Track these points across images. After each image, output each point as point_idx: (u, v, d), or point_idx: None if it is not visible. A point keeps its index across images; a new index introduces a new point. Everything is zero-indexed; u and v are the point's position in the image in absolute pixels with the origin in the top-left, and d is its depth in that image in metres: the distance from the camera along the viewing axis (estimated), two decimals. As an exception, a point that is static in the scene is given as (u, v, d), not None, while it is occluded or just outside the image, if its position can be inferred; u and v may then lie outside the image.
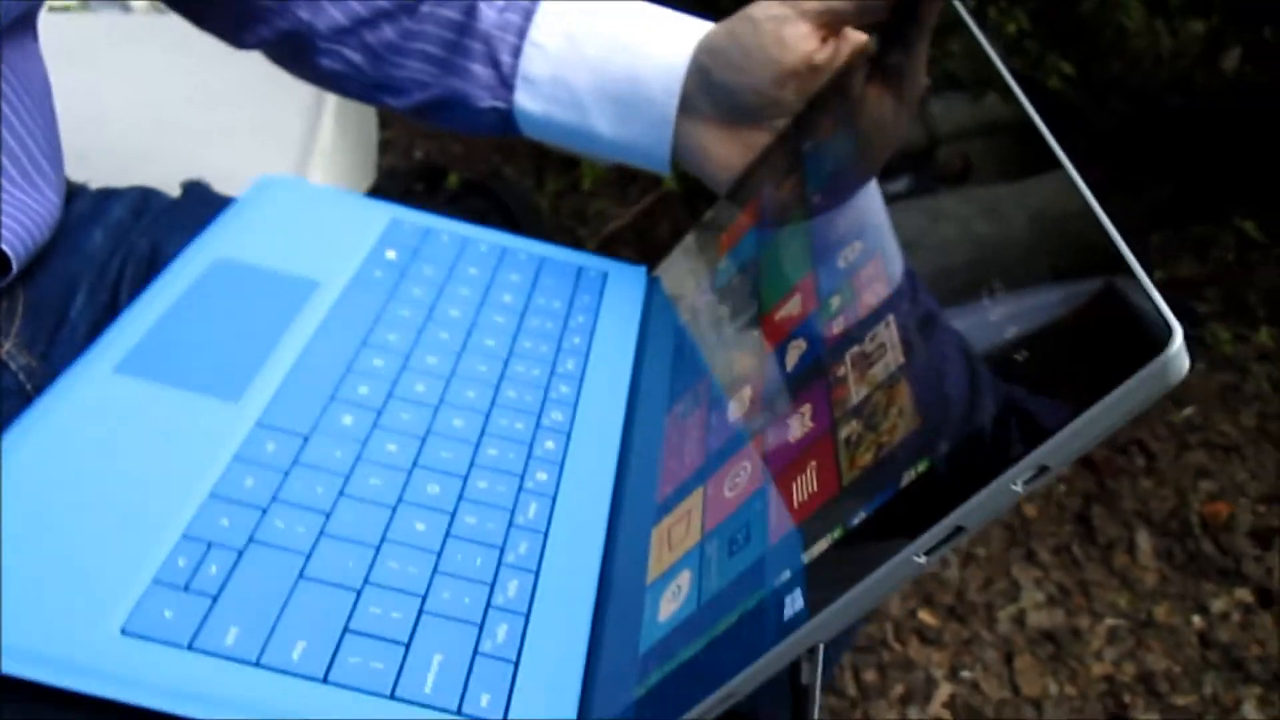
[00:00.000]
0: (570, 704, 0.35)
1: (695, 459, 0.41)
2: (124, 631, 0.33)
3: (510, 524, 0.40)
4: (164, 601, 0.34)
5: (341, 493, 0.39)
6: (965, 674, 1.07)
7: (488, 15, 0.53)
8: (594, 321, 0.53)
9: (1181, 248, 1.50)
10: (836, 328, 0.38)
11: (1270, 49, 1.03)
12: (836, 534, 0.30)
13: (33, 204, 0.48)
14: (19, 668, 0.31)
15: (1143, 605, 1.13)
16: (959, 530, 0.27)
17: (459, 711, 0.33)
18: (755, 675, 0.30)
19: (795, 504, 0.33)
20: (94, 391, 0.41)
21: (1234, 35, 1.02)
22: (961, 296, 0.33)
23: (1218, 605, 1.13)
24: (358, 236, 0.54)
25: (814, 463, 0.34)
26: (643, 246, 1.38)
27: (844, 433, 0.34)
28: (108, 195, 0.56)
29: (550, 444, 0.44)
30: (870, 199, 0.41)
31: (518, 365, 0.48)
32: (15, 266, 0.47)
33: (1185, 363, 0.24)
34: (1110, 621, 1.12)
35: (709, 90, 0.50)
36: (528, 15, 0.53)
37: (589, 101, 0.53)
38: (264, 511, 0.37)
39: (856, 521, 0.30)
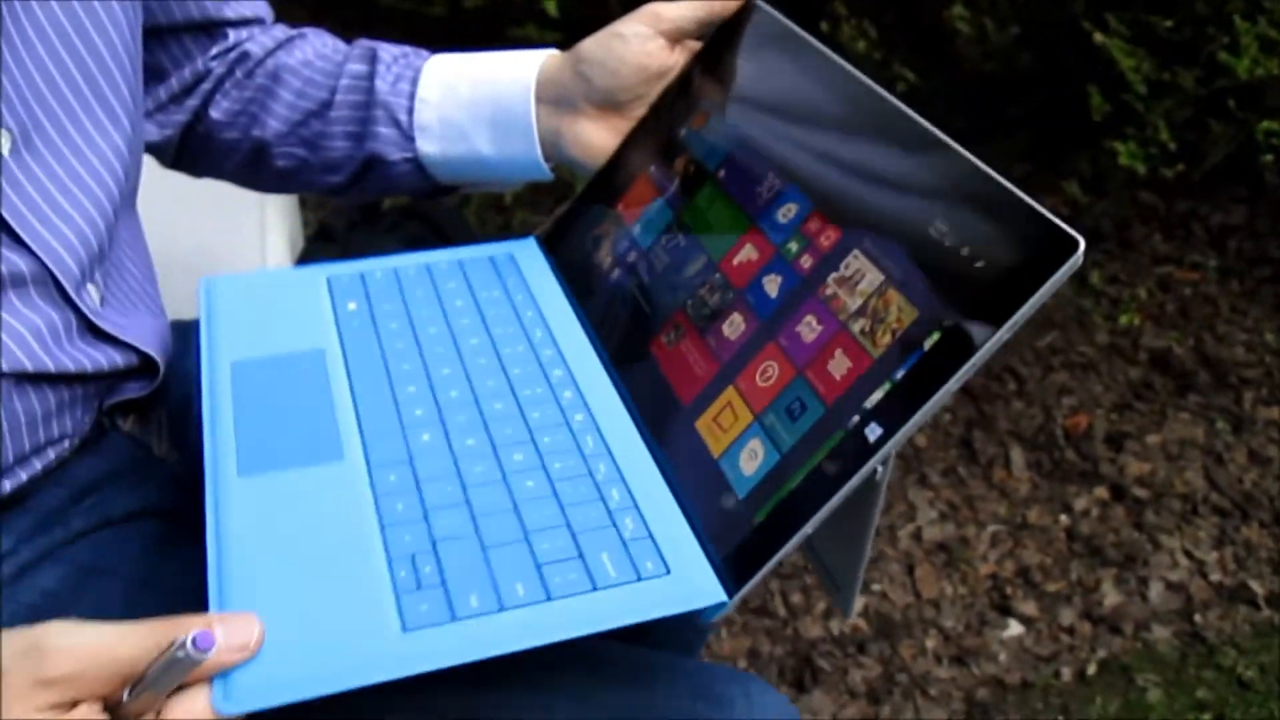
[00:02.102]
0: (697, 549, 0.48)
1: (709, 369, 0.54)
2: (405, 629, 0.44)
3: (583, 455, 0.53)
4: (416, 601, 0.45)
5: (464, 485, 0.50)
6: (875, 586, 1.27)
7: (382, 88, 0.67)
8: (530, 295, 0.64)
9: (1043, 185, 1.69)
10: (806, 263, 0.52)
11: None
12: (887, 386, 0.45)
13: (160, 326, 0.63)
14: (344, 682, 0.42)
15: (1018, 511, 1.33)
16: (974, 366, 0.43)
17: (640, 578, 0.47)
18: (860, 479, 0.44)
19: (838, 377, 0.47)
20: (240, 498, 0.50)
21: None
22: (909, 224, 0.48)
23: (1080, 504, 1.33)
24: (315, 302, 0.62)
25: (839, 349, 0.48)
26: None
27: (856, 327, 0.48)
28: (186, 328, 0.71)
29: (568, 394, 0.56)
30: (783, 169, 0.56)
31: (505, 350, 0.59)
32: (162, 368, 0.61)
33: (1080, 261, 0.41)
34: (992, 528, 1.32)
35: (589, 93, 0.64)
36: (414, 81, 0.68)
37: (470, 131, 0.67)
38: (426, 520, 0.48)
39: (901, 375, 0.45)
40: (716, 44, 0.65)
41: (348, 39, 0.72)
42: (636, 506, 0.50)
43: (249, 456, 0.52)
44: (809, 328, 0.50)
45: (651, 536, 0.49)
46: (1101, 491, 1.35)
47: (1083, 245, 0.41)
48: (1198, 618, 1.24)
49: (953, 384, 0.43)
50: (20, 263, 0.53)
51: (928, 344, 0.45)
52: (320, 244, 1.32)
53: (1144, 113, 1.16)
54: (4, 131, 0.52)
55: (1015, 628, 1.23)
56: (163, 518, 0.61)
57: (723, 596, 0.47)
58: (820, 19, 1.30)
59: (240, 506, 0.49)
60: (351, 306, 0.62)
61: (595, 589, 0.46)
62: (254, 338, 0.59)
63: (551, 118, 0.66)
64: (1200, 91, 1.17)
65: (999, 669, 1.19)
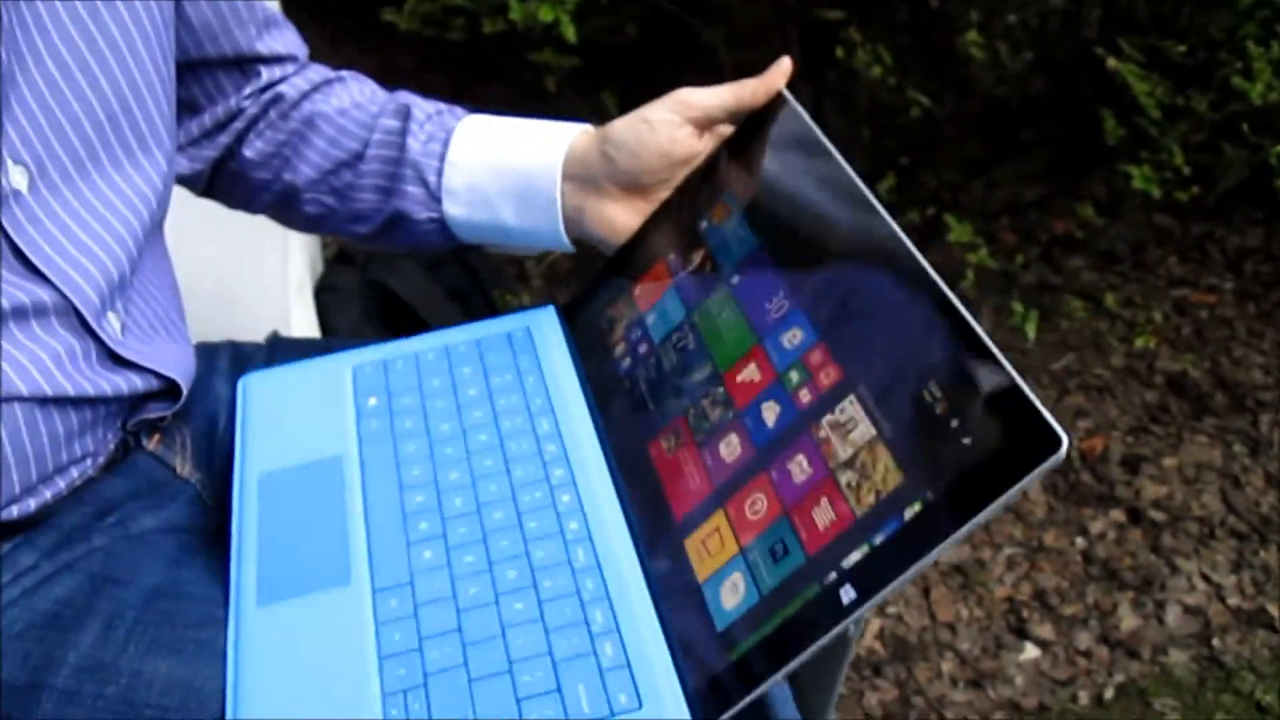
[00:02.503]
0: (673, 679, 0.49)
1: (702, 487, 0.54)
2: None
3: (573, 572, 0.54)
4: None
5: (458, 610, 0.53)
6: (890, 609, 1.27)
7: (413, 147, 0.68)
8: (542, 379, 0.65)
9: (1058, 207, 1.69)
10: (804, 398, 0.52)
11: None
12: (865, 549, 0.46)
13: (184, 352, 0.65)
14: None
15: (1034, 534, 1.33)
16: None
17: (613, 714, 0.49)
18: (827, 640, 0.46)
19: (820, 527, 0.48)
20: (259, 628, 0.54)
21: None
22: (906, 381, 0.48)
23: (1096, 527, 1.33)
24: (339, 398, 0.65)
25: (825, 498, 0.49)
26: (574, 261, 1.55)
27: (844, 479, 0.48)
28: (212, 349, 0.72)
29: (566, 497, 0.58)
30: (794, 289, 0.56)
31: (511, 445, 0.61)
32: (185, 393, 0.62)
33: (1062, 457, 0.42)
34: (1008, 551, 1.32)
35: (614, 175, 0.65)
36: (445, 142, 0.68)
37: (496, 200, 0.68)
38: (420, 651, 0.51)
39: (879, 541, 0.46)
40: (744, 134, 0.64)
41: (365, 64, 0.73)
42: (618, 629, 0.52)
43: (267, 585, 0.55)
44: (799, 468, 0.51)
45: (629, 665, 0.51)
46: (1118, 514, 1.35)
47: (1065, 446, 0.42)
48: (1215, 642, 1.23)
49: (925, 561, 0.44)
50: (41, 294, 0.54)
51: (908, 514, 0.46)
52: (340, 267, 1.34)
53: (1158, 137, 1.17)
54: (20, 167, 0.53)
55: (1032, 651, 1.23)
56: (182, 534, 0.62)
57: None
58: (836, 44, 1.31)
59: (257, 636, 0.53)
60: (372, 402, 0.65)
61: None
62: (283, 444, 0.63)
63: (576, 195, 0.66)
64: (1214, 116, 1.18)
65: (1015, 693, 1.19)
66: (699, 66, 1.49)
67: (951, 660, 1.22)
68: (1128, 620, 1.25)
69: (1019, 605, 1.27)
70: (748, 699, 0.48)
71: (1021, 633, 1.24)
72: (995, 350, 0.46)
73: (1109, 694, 1.19)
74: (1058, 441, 0.41)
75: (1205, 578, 1.29)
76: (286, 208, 0.72)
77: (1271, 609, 1.26)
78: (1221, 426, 1.44)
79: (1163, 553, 1.31)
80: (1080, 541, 1.32)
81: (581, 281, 0.72)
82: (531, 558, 0.55)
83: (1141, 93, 1.12)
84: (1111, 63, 1.14)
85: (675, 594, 0.53)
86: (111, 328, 0.58)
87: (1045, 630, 1.24)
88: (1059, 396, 1.47)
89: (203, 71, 0.67)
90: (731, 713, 0.48)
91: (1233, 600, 1.27)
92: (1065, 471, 1.38)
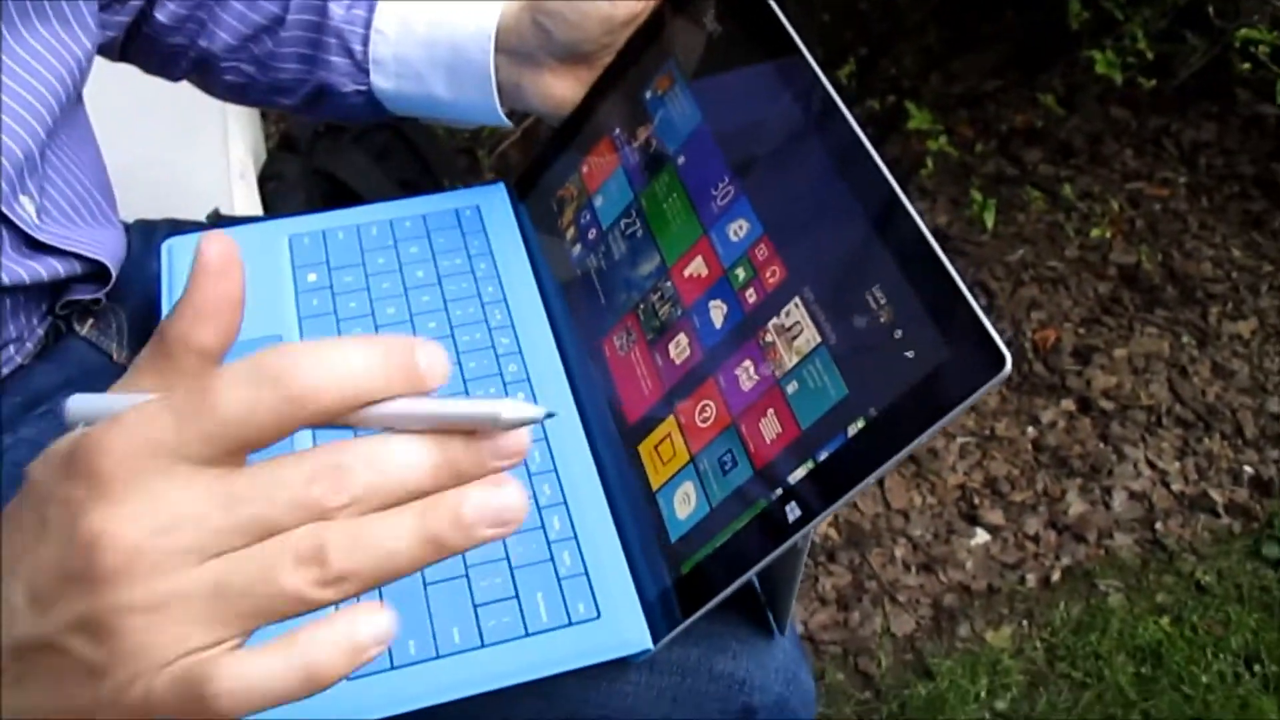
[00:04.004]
0: (630, 590, 0.49)
1: (654, 390, 0.53)
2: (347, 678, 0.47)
3: (529, 475, 0.52)
4: None
5: None
6: (845, 498, 1.28)
7: (336, 13, 0.64)
8: (493, 264, 0.62)
9: (1016, 100, 1.68)
10: (750, 298, 0.50)
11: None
12: (810, 465, 0.45)
13: (110, 234, 0.61)
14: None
15: (986, 423, 1.35)
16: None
17: (571, 623, 0.48)
18: (774, 556, 0.45)
19: (767, 440, 0.47)
20: None
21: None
22: (849, 291, 0.46)
23: (1047, 416, 1.35)
24: (276, 271, 0.62)
25: (771, 409, 0.47)
26: (527, 151, 1.51)
27: (789, 388, 0.47)
28: (149, 227, 0.68)
29: (520, 395, 0.56)
30: (741, 176, 0.53)
31: (463, 335, 0.59)
32: (114, 276, 0.59)
33: (1007, 375, 0.40)
34: (961, 440, 1.33)
35: (550, 46, 0.60)
36: (370, 9, 0.64)
37: (426, 72, 0.64)
38: None
39: (823, 457, 0.45)
40: None
41: None
42: (576, 537, 0.51)
43: None
44: (746, 375, 0.50)
45: (587, 573, 0.50)
46: (1068, 404, 1.36)
47: (1009, 366, 0.39)
48: (1159, 526, 1.26)
49: (867, 482, 0.43)
50: None
51: (851, 430, 0.44)
52: (284, 155, 1.29)
53: (1122, 21, 1.15)
54: None
55: (982, 536, 1.25)
56: None
57: (648, 644, 0.49)
58: (796, -77, 1.27)
59: None
60: (311, 278, 0.61)
61: (527, 634, 0.48)
62: None
63: (512, 68, 0.62)
64: (1179, 1, 1.16)
65: (965, 576, 1.21)
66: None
67: (904, 546, 1.24)
68: (1075, 506, 1.27)
69: (970, 492, 1.29)
70: (700, 613, 0.47)
71: (973, 519, 1.26)
72: (944, 258, 0.43)
73: (1056, 576, 1.22)
74: (1002, 361, 0.40)
75: (1151, 464, 1.32)
76: (206, 75, 0.68)
77: (1214, 494, 1.29)
78: (1171, 318, 1.46)
79: (1111, 441, 1.33)
80: (1031, 430, 1.34)
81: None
82: None
83: (1107, -25, 1.09)
84: (1077, -57, 1.12)
85: (630, 502, 0.52)
86: (25, 211, 0.54)
87: (995, 516, 1.26)
88: (1014, 288, 1.47)
89: None
90: (683, 626, 0.48)
91: (1176, 486, 1.30)
92: (1019, 363, 1.39)
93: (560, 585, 0.50)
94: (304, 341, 0.28)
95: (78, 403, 0.30)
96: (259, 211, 1.12)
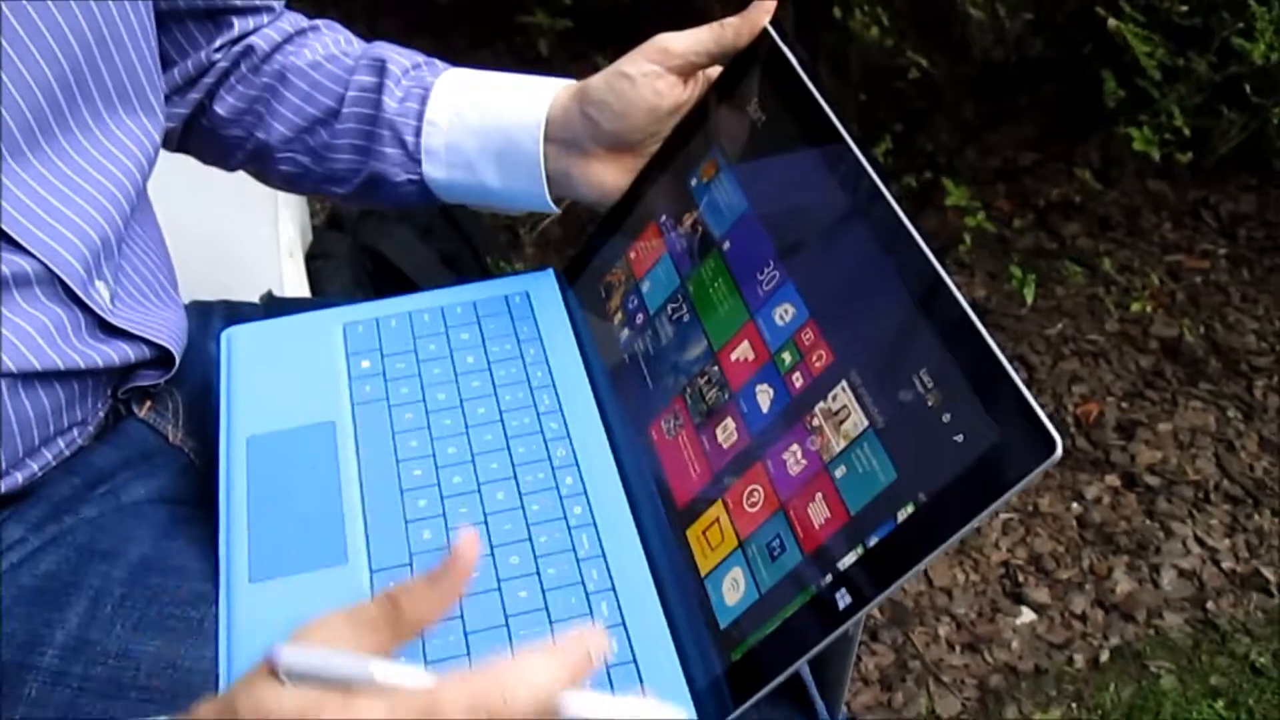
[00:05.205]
0: (680, 678, 0.48)
1: (702, 475, 0.53)
2: None
3: (577, 559, 0.52)
4: None
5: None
6: (887, 574, 1.27)
7: (390, 105, 0.65)
8: (543, 350, 0.63)
9: (1053, 173, 1.68)
10: (797, 382, 0.50)
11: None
12: (859, 550, 0.45)
13: (174, 316, 0.62)
14: None
15: (1029, 499, 1.33)
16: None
17: None
18: (826, 643, 0.45)
19: (816, 525, 0.47)
20: (251, 606, 0.51)
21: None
22: (896, 374, 0.46)
23: (1091, 492, 1.33)
24: (329, 358, 0.62)
25: (820, 494, 0.47)
26: (567, 229, 1.53)
27: (837, 472, 0.47)
28: (205, 309, 0.70)
29: (569, 479, 0.56)
30: (786, 260, 0.54)
31: (511, 420, 0.59)
32: (178, 361, 0.61)
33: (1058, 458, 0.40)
34: (1004, 516, 1.32)
35: (597, 135, 0.62)
36: (423, 100, 0.66)
37: (477, 162, 0.65)
38: (419, 638, 0.48)
39: (873, 543, 0.44)
40: (730, 79, 0.60)
41: (353, 26, 0.70)
42: (624, 624, 0.50)
43: (260, 561, 0.53)
44: (794, 459, 0.50)
45: (635, 662, 0.49)
46: (1113, 479, 1.35)
47: (1060, 449, 0.39)
48: (1210, 605, 1.24)
49: (918, 568, 0.43)
50: (22, 264, 0.52)
51: (901, 515, 0.44)
52: (330, 233, 1.32)
53: (1158, 99, 1.16)
54: None
55: (1028, 615, 1.23)
56: (174, 504, 0.61)
57: None
58: (832, 5, 1.29)
59: (249, 615, 0.51)
60: (365, 365, 0.62)
61: None
62: (270, 403, 0.60)
63: (560, 157, 0.63)
64: (1214, 77, 1.17)
65: (1011, 656, 1.19)
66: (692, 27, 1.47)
67: (948, 625, 1.22)
68: (1123, 584, 1.25)
69: (1015, 570, 1.27)
70: (750, 702, 0.47)
71: (1018, 597, 1.24)
72: (991, 341, 0.43)
73: (1104, 657, 1.19)
74: (1053, 444, 0.39)
75: (1200, 541, 1.29)
76: (262, 166, 0.70)
77: (1266, 572, 1.26)
78: (1216, 391, 1.44)
79: (1157, 517, 1.31)
80: (1075, 506, 1.32)
81: (574, 247, 0.68)
82: (535, 543, 0.53)
83: (1142, 53, 1.10)
84: (1112, 23, 1.13)
85: (679, 588, 0.52)
86: (100, 296, 0.56)
87: (1041, 594, 1.24)
88: (1054, 362, 1.46)
89: (174, 24, 0.64)
90: (734, 716, 0.47)
91: (1227, 564, 1.27)
92: (1061, 438, 1.37)
93: (609, 674, 0.49)
94: (504, 663, 0.35)
95: (293, 657, 0.34)
96: (306, 289, 1.14)
